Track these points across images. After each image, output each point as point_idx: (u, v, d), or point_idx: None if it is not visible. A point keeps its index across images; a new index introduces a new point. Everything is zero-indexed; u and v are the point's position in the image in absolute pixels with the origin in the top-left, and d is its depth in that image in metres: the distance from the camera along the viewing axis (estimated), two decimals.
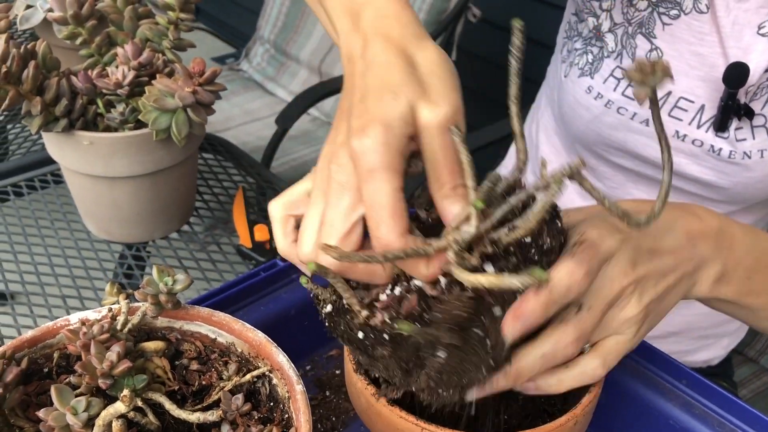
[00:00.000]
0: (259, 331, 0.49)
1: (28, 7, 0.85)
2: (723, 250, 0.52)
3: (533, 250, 0.41)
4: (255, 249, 0.81)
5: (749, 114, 0.73)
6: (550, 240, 0.42)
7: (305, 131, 1.76)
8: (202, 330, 0.51)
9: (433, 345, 0.41)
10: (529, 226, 0.39)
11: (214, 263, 0.81)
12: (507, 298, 0.40)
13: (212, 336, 0.51)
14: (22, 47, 0.70)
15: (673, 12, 0.74)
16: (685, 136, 0.76)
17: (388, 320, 0.41)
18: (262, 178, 0.95)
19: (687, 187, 0.80)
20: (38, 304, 0.75)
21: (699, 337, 0.97)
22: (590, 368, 0.47)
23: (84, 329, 0.45)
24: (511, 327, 0.41)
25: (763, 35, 0.71)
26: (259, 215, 0.90)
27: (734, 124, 0.74)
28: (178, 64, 0.75)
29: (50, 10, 0.80)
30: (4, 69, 0.65)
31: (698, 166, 0.77)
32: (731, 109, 0.73)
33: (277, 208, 0.49)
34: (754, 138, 0.74)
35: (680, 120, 0.76)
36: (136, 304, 0.50)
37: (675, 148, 0.77)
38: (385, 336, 0.41)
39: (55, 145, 0.75)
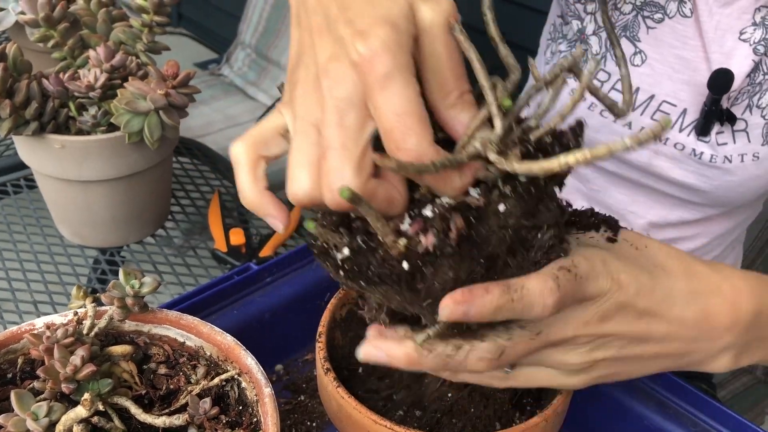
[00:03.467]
0: (227, 334, 0.49)
1: (0, 10, 0.84)
2: (751, 337, 0.47)
3: (557, 148, 0.38)
4: (230, 253, 0.80)
5: (731, 119, 0.73)
6: (575, 138, 0.39)
7: None
8: (170, 333, 0.50)
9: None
10: (564, 112, 0.36)
11: (189, 268, 0.81)
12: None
13: (181, 339, 0.50)
14: None
15: (657, 16, 0.75)
16: (667, 139, 0.76)
17: (437, 243, 0.36)
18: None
19: (669, 190, 0.80)
20: (9, 310, 0.74)
21: None
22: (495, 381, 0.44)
23: (48, 333, 0.44)
24: (452, 308, 0.36)
25: (744, 41, 0.71)
26: (235, 219, 0.89)
27: (716, 128, 0.74)
28: (151, 67, 0.75)
29: (22, 12, 0.80)
30: None
31: (680, 170, 0.77)
32: (714, 114, 0.73)
33: (242, 148, 0.41)
34: (735, 142, 0.75)
35: None
36: (103, 308, 0.49)
37: (657, 152, 0.77)
38: (448, 249, 0.36)
39: (26, 148, 0.74)
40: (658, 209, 0.83)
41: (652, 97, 0.76)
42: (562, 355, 0.42)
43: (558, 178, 0.40)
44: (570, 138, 0.39)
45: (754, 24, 0.71)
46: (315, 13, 0.38)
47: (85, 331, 0.47)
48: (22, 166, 0.81)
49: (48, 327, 0.47)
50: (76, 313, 0.48)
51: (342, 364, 0.56)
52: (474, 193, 0.37)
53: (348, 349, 0.57)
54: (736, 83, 0.72)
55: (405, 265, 0.36)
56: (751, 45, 0.71)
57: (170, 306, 0.61)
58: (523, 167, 0.35)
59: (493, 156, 0.36)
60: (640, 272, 0.43)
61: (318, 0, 0.39)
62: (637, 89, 0.76)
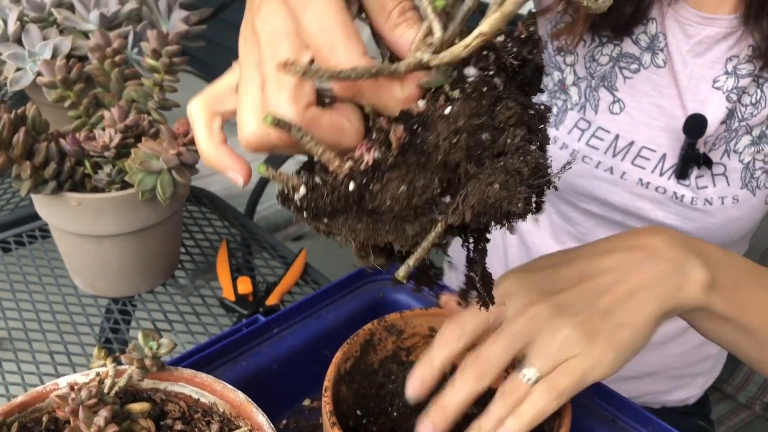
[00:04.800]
0: (239, 391, 0.52)
1: (18, 69, 0.88)
2: (697, 255, 0.52)
3: (510, 44, 0.37)
4: (238, 302, 0.83)
5: (708, 163, 0.77)
6: (525, 29, 0.37)
7: None
8: (185, 391, 0.53)
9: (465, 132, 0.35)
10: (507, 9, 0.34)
11: (198, 316, 0.84)
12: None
13: (195, 396, 0.53)
14: (13, 112, 0.73)
15: (633, 66, 0.78)
16: (648, 183, 0.80)
17: (378, 156, 0.35)
18: (246, 229, 0.98)
19: None
20: (25, 361, 0.77)
21: (674, 377, 1.00)
22: (537, 397, 0.48)
23: (72, 395, 0.47)
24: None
25: (717, 88, 0.75)
26: (243, 267, 0.92)
27: (695, 172, 0.78)
28: (163, 125, 0.78)
29: (39, 73, 0.84)
30: None
31: (662, 212, 0.81)
32: (691, 158, 0.77)
33: (198, 105, 0.42)
34: (714, 185, 0.78)
35: (643, 168, 0.80)
36: (123, 367, 0.52)
37: (639, 195, 0.81)
38: (391, 160, 0.35)
39: (43, 205, 0.78)
40: None
41: (631, 143, 0.80)
42: (553, 335, 0.48)
43: (513, 70, 0.37)
44: (521, 29, 0.37)
45: (727, 73, 0.75)
46: None
47: (106, 390, 0.50)
48: (37, 217, 0.84)
49: (72, 387, 0.50)
50: (98, 374, 0.51)
51: (348, 414, 0.59)
52: (421, 103, 0.36)
53: (353, 401, 0.60)
54: (711, 129, 0.75)
55: (351, 185, 0.35)
56: (724, 93, 0.75)
57: (183, 358, 0.64)
58: (444, 54, 0.33)
59: (426, 56, 0.34)
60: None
61: None
62: (617, 136, 0.80)
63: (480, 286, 0.44)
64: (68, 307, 0.84)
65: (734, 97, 0.75)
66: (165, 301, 0.85)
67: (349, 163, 0.36)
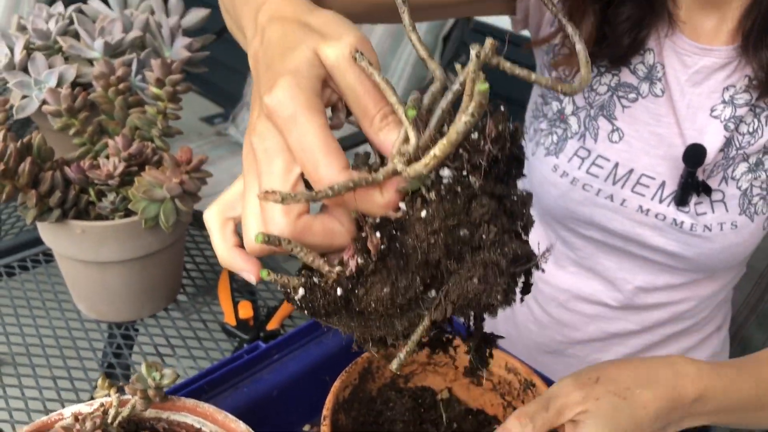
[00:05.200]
0: (240, 421, 0.53)
1: (24, 97, 0.89)
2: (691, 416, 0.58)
3: (482, 143, 0.39)
4: (239, 327, 0.84)
5: (707, 191, 0.78)
6: (495, 128, 0.39)
7: None
8: (187, 420, 0.54)
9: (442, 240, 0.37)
10: (470, 113, 0.35)
11: (200, 340, 0.85)
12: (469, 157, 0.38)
13: (197, 426, 0.54)
14: (19, 142, 0.74)
15: (631, 96, 0.80)
16: (648, 210, 0.81)
17: (361, 263, 0.38)
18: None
19: (653, 256, 0.84)
20: (29, 386, 0.78)
21: None
22: None
23: (77, 425, 0.48)
24: None
25: (715, 117, 0.77)
26: (243, 290, 0.93)
27: (694, 199, 0.79)
28: (166, 154, 0.80)
29: (45, 101, 0.85)
30: (2, 167, 0.69)
31: (663, 238, 0.82)
32: (690, 186, 0.78)
33: (212, 214, 0.46)
34: (713, 212, 0.79)
35: (643, 195, 0.81)
36: (126, 397, 0.53)
37: (640, 222, 0.82)
38: (371, 267, 0.38)
39: (48, 232, 0.79)
40: (645, 275, 0.87)
41: (631, 171, 0.81)
42: None
43: (486, 169, 0.39)
44: (491, 128, 0.39)
45: (724, 102, 0.76)
46: (255, 80, 0.44)
47: (110, 420, 0.51)
48: (41, 241, 0.85)
49: (76, 417, 0.51)
50: (102, 404, 0.52)
51: None
52: (402, 205, 0.38)
53: (351, 429, 0.61)
54: (710, 157, 0.77)
55: (339, 291, 0.39)
56: (722, 122, 0.76)
57: (185, 385, 0.65)
58: (410, 170, 0.36)
59: (399, 166, 0.37)
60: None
61: (256, 66, 0.44)
62: (617, 164, 0.81)
63: (474, 355, 0.48)
64: (71, 331, 0.85)
65: (732, 126, 0.76)
66: (167, 325, 0.86)
67: (337, 268, 0.39)
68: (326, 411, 0.57)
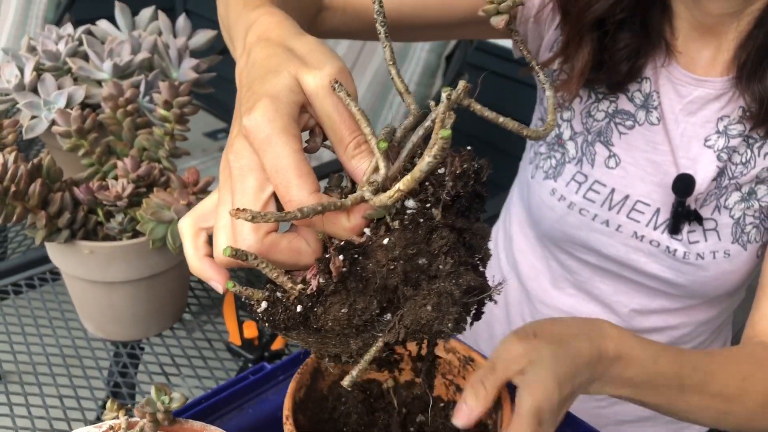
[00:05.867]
0: None
1: (33, 117, 0.91)
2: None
3: (446, 178, 0.41)
4: (244, 346, 0.85)
5: (699, 220, 0.79)
6: (459, 166, 0.42)
7: None
8: None
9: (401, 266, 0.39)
10: (433, 155, 0.38)
11: (205, 360, 0.85)
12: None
13: None
14: (30, 163, 0.76)
15: (628, 123, 0.81)
16: (642, 236, 0.82)
17: (322, 282, 0.40)
18: (251, 272, 1.00)
19: (648, 282, 0.85)
20: (36, 405, 0.78)
21: (673, 421, 1.00)
22: None
23: None
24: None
25: (709, 147, 0.77)
26: (248, 311, 0.94)
27: (687, 227, 0.80)
28: (173, 175, 0.81)
29: (54, 122, 0.86)
30: (13, 188, 0.70)
31: (657, 265, 0.82)
32: (682, 215, 0.79)
33: (186, 223, 0.48)
34: (706, 240, 0.80)
35: (638, 222, 0.82)
36: (134, 419, 0.54)
37: (634, 248, 0.83)
38: (331, 287, 0.40)
39: (56, 252, 0.80)
40: (640, 299, 0.88)
41: (626, 197, 0.82)
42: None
43: (448, 204, 0.41)
44: (456, 165, 0.42)
45: (718, 132, 0.77)
46: (237, 99, 0.46)
47: None
48: (48, 260, 0.86)
49: None
50: (111, 426, 0.53)
51: None
52: (367, 231, 0.41)
53: (309, 428, 0.61)
54: (702, 186, 0.77)
55: (299, 308, 0.40)
56: (715, 152, 0.77)
57: (191, 406, 0.66)
58: (376, 199, 0.39)
59: (367, 195, 0.40)
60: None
61: (239, 84, 0.46)
62: (613, 189, 0.82)
63: (424, 378, 0.54)
64: (78, 350, 0.85)
65: (725, 157, 0.77)
66: (172, 344, 0.87)
67: (299, 286, 0.40)
68: (287, 411, 0.56)
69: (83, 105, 0.90)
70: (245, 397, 0.69)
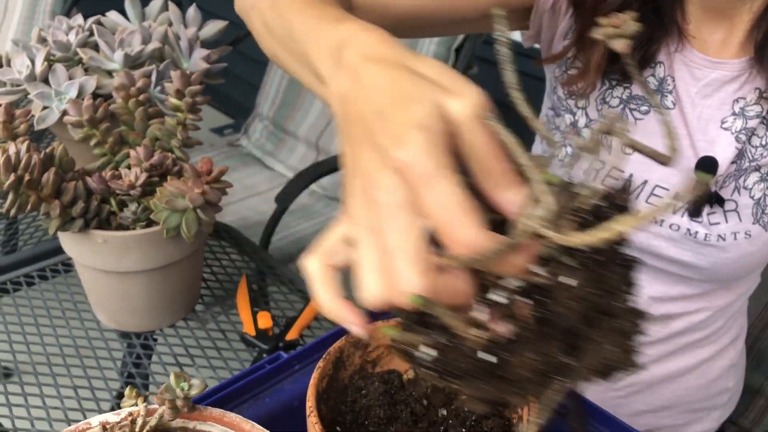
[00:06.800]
0: (267, 431, 0.53)
1: (45, 107, 0.90)
2: None
3: (610, 210, 0.40)
4: (259, 337, 0.85)
5: (720, 202, 0.78)
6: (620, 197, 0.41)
7: (304, 205, 1.81)
8: (214, 430, 0.54)
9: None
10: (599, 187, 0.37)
11: (219, 350, 0.85)
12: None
13: None
14: (42, 152, 0.75)
15: (643, 108, 0.80)
16: (662, 221, 0.81)
17: (513, 329, 0.38)
18: (264, 263, 0.99)
19: (668, 267, 0.85)
20: (50, 395, 0.78)
21: (690, 411, 1.00)
22: None
23: None
24: None
25: (726, 129, 0.77)
26: (260, 300, 0.93)
27: (707, 209, 0.79)
28: (186, 164, 0.80)
29: (65, 112, 0.86)
30: (27, 177, 0.70)
31: (677, 249, 0.82)
32: (703, 198, 0.78)
33: (313, 261, 0.44)
34: (726, 222, 0.79)
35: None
36: (153, 407, 0.53)
37: (655, 234, 0.82)
38: (527, 334, 0.38)
39: (69, 242, 0.79)
40: (659, 285, 0.87)
41: (645, 182, 0.81)
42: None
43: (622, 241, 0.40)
44: (620, 198, 0.40)
45: (734, 114, 0.77)
46: (355, 124, 0.42)
47: (137, 429, 0.51)
48: (60, 250, 0.86)
49: (104, 427, 0.51)
50: (129, 413, 0.52)
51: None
52: (537, 269, 0.38)
53: (331, 419, 0.60)
54: (722, 169, 0.77)
55: (485, 356, 0.38)
56: (733, 133, 0.77)
57: (208, 395, 0.65)
58: (580, 240, 0.35)
59: (549, 233, 0.37)
60: None
61: (355, 109, 0.43)
62: (631, 176, 0.82)
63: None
64: (91, 341, 0.85)
65: (743, 138, 0.77)
66: (186, 335, 0.86)
67: (473, 331, 0.38)
68: (310, 402, 0.55)
69: (94, 95, 0.89)
70: (262, 386, 0.69)
